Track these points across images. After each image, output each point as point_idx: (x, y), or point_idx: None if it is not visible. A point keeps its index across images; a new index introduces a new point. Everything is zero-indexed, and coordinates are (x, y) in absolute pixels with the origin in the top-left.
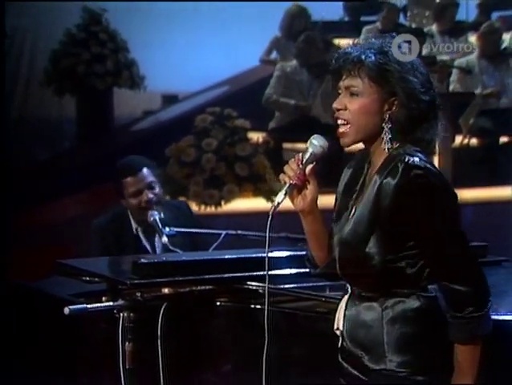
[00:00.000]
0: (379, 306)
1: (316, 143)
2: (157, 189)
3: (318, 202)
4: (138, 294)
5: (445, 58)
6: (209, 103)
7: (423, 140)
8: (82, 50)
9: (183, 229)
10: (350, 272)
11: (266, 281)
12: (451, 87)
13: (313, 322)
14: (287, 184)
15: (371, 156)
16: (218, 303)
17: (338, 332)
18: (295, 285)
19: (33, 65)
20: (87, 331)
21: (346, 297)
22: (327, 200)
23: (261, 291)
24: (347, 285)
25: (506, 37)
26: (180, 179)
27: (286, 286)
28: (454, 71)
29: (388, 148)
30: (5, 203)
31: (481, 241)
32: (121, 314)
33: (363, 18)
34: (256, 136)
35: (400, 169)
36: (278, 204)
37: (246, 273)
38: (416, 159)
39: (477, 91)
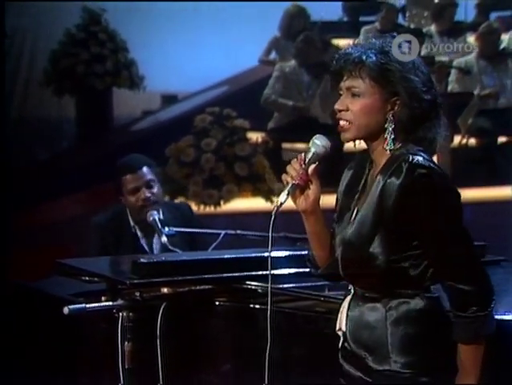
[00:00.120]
0: (382, 307)
1: (319, 142)
2: (156, 189)
3: (320, 202)
4: (137, 294)
5: (444, 59)
6: (209, 103)
7: (425, 139)
8: (81, 50)
9: (182, 229)
10: (353, 272)
11: (269, 281)
12: (449, 87)
13: (312, 322)
14: (290, 184)
15: (372, 155)
16: (217, 303)
17: (340, 333)
18: (294, 285)
19: (33, 65)
20: (87, 331)
21: (348, 297)
22: (328, 200)
23: (260, 291)
24: (350, 286)
25: (505, 37)
26: (179, 179)
27: (285, 286)
28: (453, 71)
29: (391, 149)
30: (5, 203)
31: (479, 241)
32: (120, 314)
33: (362, 19)
34: (255, 136)
35: (404, 169)
36: (281, 204)
37: (245, 273)
38: (420, 158)
39: (476, 91)
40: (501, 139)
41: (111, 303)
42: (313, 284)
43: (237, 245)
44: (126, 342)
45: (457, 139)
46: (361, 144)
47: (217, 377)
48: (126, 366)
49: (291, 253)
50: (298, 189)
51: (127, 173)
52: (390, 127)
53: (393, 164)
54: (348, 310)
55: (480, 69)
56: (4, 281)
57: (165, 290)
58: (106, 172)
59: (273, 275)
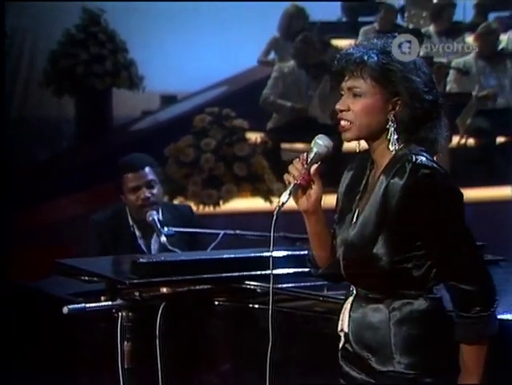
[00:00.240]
0: (386, 308)
1: (321, 142)
2: (156, 189)
3: (322, 202)
4: (137, 294)
5: (444, 60)
6: (208, 104)
7: (427, 140)
8: (81, 50)
9: (181, 229)
10: (356, 273)
11: (271, 281)
12: (448, 88)
13: (311, 322)
14: (292, 184)
15: (373, 156)
16: (217, 303)
17: (341, 334)
18: (293, 285)
19: (32, 65)
20: (87, 331)
21: (350, 298)
22: (329, 200)
23: (259, 291)
24: (352, 287)
25: (504, 38)
26: (178, 179)
27: (285, 286)
28: (451, 72)
29: (395, 149)
30: (5, 203)
31: (477, 241)
32: (120, 314)
33: (360, 19)
34: (254, 136)
35: (408, 169)
36: (283, 204)
37: (245, 273)
38: (423, 158)
39: (474, 92)
40: (500, 140)
41: (110, 303)
42: (312, 284)
43: (237, 245)
44: (125, 342)
45: (455, 139)
46: (361, 145)
47: (216, 377)
48: (125, 366)
49: (291, 252)
50: (300, 189)
51: (129, 172)
52: (392, 127)
53: (396, 164)
54: (350, 310)
55: (478, 69)
56: (4, 281)
57: (165, 290)
58: (106, 172)
59: (274, 275)
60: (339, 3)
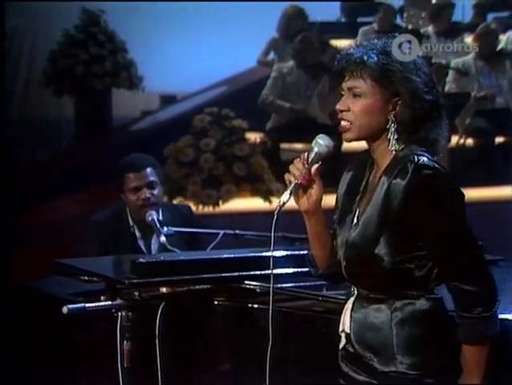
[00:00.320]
0: (388, 308)
1: (322, 142)
2: (157, 190)
3: (322, 202)
4: (136, 294)
5: (443, 60)
6: (207, 104)
7: (427, 140)
8: (80, 50)
9: (181, 229)
10: (358, 274)
11: (271, 281)
12: (447, 88)
13: (310, 321)
14: (292, 184)
15: (374, 157)
16: (216, 302)
17: (343, 334)
18: (292, 285)
19: (32, 65)
20: (87, 331)
21: (352, 299)
22: (329, 200)
23: (258, 290)
24: (353, 287)
25: (503, 38)
26: (178, 179)
27: (284, 285)
28: (450, 72)
29: (395, 150)
30: (5, 203)
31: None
32: (119, 314)
33: (359, 19)
34: (254, 136)
35: (410, 170)
36: (284, 203)
37: (244, 273)
38: (425, 159)
39: (473, 92)
40: (499, 140)
41: (110, 303)
42: (311, 283)
43: (236, 245)
44: (125, 342)
45: (454, 139)
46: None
47: (215, 376)
48: (125, 366)
49: (290, 252)
50: (301, 189)
51: (130, 171)
52: (392, 127)
53: (398, 164)
54: (352, 311)
55: (477, 70)
56: (4, 281)
57: (164, 290)
58: (105, 172)
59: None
60: (338, 3)
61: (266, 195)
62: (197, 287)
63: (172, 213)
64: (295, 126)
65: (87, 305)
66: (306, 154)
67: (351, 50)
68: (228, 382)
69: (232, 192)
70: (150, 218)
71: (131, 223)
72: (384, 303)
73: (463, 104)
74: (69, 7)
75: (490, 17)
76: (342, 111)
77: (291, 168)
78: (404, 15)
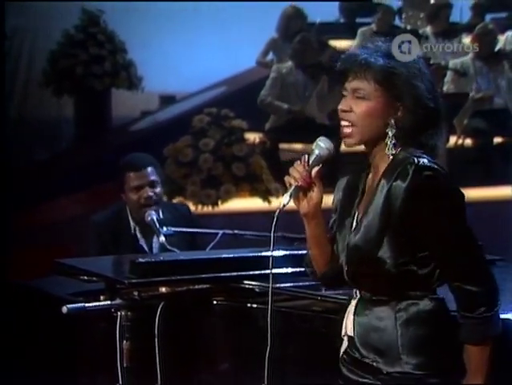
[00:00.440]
0: (391, 309)
1: (323, 144)
2: (158, 189)
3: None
4: (136, 293)
5: (441, 61)
6: (207, 104)
7: (427, 146)
8: (80, 51)
9: (180, 229)
10: (361, 277)
11: (270, 281)
12: (445, 88)
13: (309, 321)
14: (293, 187)
15: (371, 160)
16: (215, 302)
17: (345, 338)
18: (291, 284)
19: (32, 65)
20: (86, 330)
21: (354, 302)
22: (329, 201)
23: (257, 290)
24: (355, 291)
25: (501, 38)
26: (177, 179)
27: (282, 285)
28: (449, 72)
29: (392, 154)
30: (5, 203)
31: None
32: (119, 313)
33: (358, 20)
34: (253, 137)
35: (411, 171)
36: (284, 206)
37: (243, 273)
38: (425, 160)
39: (471, 92)
40: (497, 140)
41: (109, 302)
42: (310, 283)
43: (235, 245)
44: (124, 341)
45: (452, 139)
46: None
47: (214, 376)
48: (124, 365)
49: (289, 252)
50: (301, 192)
51: (131, 171)
52: (391, 132)
53: (397, 167)
54: (355, 314)
55: (476, 70)
56: (4, 281)
57: (163, 290)
58: (105, 172)
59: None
60: (336, 4)
61: (265, 195)
62: (196, 287)
63: (172, 213)
64: (294, 126)
65: (87, 304)
66: (306, 156)
67: (357, 50)
68: (227, 381)
69: (231, 192)
70: (149, 218)
71: (131, 223)
72: (387, 305)
73: (461, 105)
74: (69, 7)
75: (488, 17)
76: (344, 111)
77: (292, 170)
78: (403, 16)
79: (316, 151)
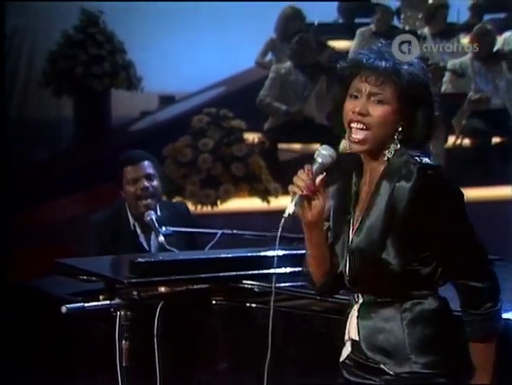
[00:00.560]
0: (397, 310)
1: (325, 152)
2: (155, 182)
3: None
4: (135, 293)
5: (441, 63)
6: (206, 104)
7: (423, 147)
8: (79, 51)
9: (179, 229)
10: (364, 280)
11: (273, 282)
12: (443, 88)
13: (308, 321)
14: (297, 195)
15: (366, 163)
16: (214, 302)
17: (348, 342)
18: (290, 284)
19: (31, 66)
20: (85, 330)
21: (356, 306)
22: None
23: (256, 290)
24: (357, 295)
25: (499, 39)
26: (176, 179)
27: (282, 285)
28: (447, 73)
29: (389, 157)
30: (5, 203)
31: None
32: (118, 313)
33: (357, 20)
34: (252, 137)
35: (415, 172)
36: (289, 215)
37: (242, 272)
38: (427, 160)
39: (469, 93)
40: (495, 140)
41: (108, 302)
42: None
43: (234, 245)
44: (124, 341)
45: (451, 139)
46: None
47: (214, 375)
48: (124, 365)
49: (288, 252)
50: (305, 200)
51: (128, 165)
52: (397, 138)
53: (399, 168)
54: (358, 318)
55: (474, 70)
56: (4, 281)
57: (162, 289)
58: (105, 172)
59: (269, 274)
60: (335, 4)
61: (264, 195)
62: (195, 287)
63: (170, 211)
64: (293, 126)
65: (86, 304)
66: (310, 165)
67: (381, 54)
68: (226, 381)
69: (230, 192)
70: (148, 218)
71: (131, 219)
72: (392, 306)
73: (460, 105)
74: (68, 7)
75: (486, 18)
76: (361, 115)
77: (296, 179)
78: (401, 16)
79: (319, 160)
